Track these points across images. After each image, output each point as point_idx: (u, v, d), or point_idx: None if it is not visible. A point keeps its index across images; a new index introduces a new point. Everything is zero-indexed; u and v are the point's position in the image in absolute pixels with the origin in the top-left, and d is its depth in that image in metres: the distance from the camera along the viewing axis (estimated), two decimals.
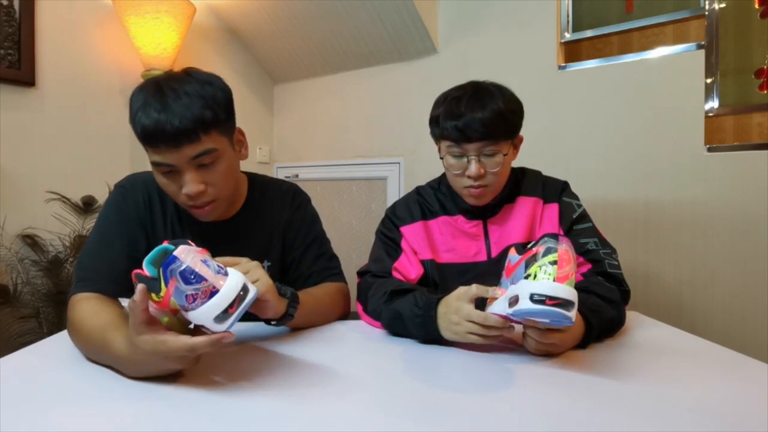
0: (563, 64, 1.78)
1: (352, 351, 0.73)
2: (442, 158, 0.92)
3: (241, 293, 0.53)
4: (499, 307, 0.65)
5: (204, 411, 0.50)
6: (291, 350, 0.71)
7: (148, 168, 0.75)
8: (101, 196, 1.69)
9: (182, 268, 0.51)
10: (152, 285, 0.52)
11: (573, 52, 2.01)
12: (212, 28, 2.22)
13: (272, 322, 0.74)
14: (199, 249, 0.55)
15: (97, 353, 0.62)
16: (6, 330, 1.48)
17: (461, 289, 0.71)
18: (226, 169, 0.75)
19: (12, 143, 1.53)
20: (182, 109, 0.66)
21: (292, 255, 0.92)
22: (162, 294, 0.52)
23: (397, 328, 0.79)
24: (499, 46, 1.88)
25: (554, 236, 0.64)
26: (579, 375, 0.62)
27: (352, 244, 2.32)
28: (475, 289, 0.68)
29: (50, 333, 0.81)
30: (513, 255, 0.67)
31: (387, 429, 0.46)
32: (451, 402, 0.53)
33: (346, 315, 0.92)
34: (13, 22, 1.54)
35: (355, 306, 0.93)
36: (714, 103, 1.74)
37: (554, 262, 0.59)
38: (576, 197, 0.97)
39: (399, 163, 2.15)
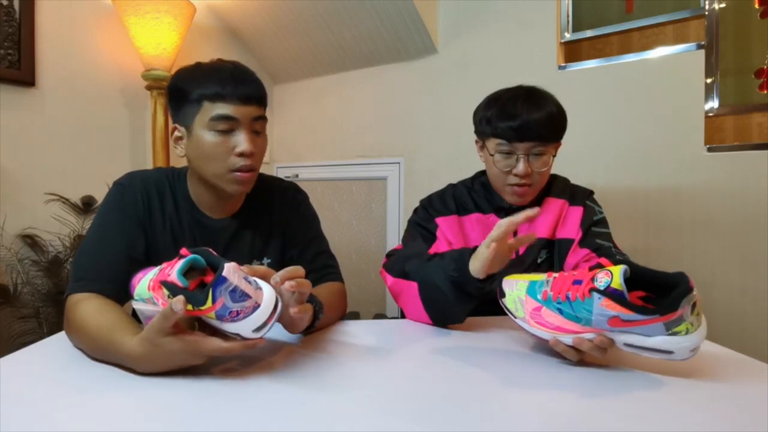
0: (563, 64, 1.78)
1: (351, 350, 0.73)
2: (485, 156, 0.96)
3: (274, 307, 0.58)
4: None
5: (202, 411, 0.50)
6: (290, 349, 0.70)
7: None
8: (101, 197, 1.67)
9: (231, 288, 0.54)
10: (195, 298, 0.54)
11: (573, 52, 2.01)
12: (212, 28, 2.22)
13: None
14: (237, 265, 0.56)
15: (103, 352, 0.62)
16: (6, 330, 1.48)
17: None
18: (265, 143, 0.85)
19: (12, 143, 1.53)
20: (252, 79, 0.82)
21: (291, 252, 0.92)
22: (205, 307, 0.54)
23: (427, 276, 0.81)
24: (499, 46, 1.88)
25: (687, 287, 0.57)
26: (577, 374, 0.62)
27: (352, 244, 2.32)
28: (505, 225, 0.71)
29: (50, 333, 0.81)
30: (625, 314, 0.58)
31: (388, 428, 0.46)
32: (453, 402, 0.53)
33: (343, 315, 0.92)
34: (13, 22, 1.54)
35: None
36: (714, 103, 1.74)
37: (698, 313, 0.59)
38: (599, 206, 1.00)
39: (399, 163, 2.15)
